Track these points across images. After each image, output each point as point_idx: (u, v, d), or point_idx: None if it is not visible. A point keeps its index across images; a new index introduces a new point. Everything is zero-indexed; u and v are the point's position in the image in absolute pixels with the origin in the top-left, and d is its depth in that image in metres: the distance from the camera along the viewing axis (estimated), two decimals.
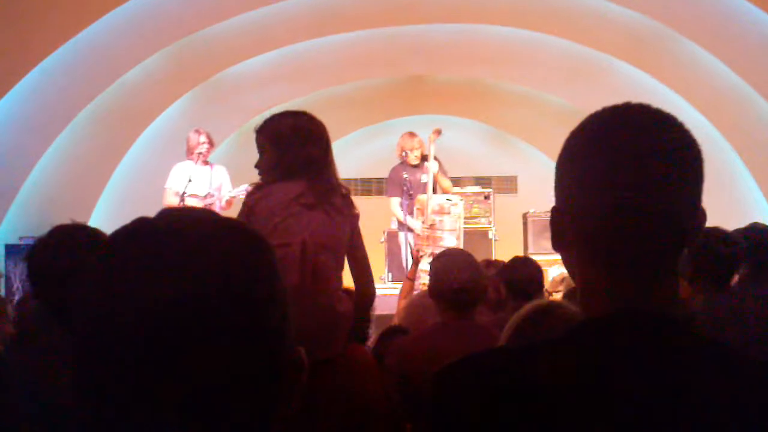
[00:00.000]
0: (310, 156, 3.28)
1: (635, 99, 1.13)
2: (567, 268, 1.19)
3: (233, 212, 7.18)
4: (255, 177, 3.43)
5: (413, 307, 4.32)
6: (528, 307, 2.22)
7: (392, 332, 4.02)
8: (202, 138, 7.33)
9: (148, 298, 0.84)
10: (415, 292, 5.22)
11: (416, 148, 7.84)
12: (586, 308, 1.13)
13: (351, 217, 3.33)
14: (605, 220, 1.09)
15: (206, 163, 7.41)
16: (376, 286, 3.71)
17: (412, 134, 8.00)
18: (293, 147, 3.27)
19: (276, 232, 3.11)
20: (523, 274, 4.18)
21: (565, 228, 1.14)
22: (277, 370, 0.91)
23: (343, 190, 3.37)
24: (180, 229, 0.90)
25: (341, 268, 3.29)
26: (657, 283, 1.10)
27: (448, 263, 3.54)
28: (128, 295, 0.85)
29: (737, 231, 4.22)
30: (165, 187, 7.36)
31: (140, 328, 0.84)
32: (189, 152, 7.37)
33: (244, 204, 3.30)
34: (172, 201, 7.20)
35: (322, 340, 3.07)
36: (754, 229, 4.16)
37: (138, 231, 0.90)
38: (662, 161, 1.08)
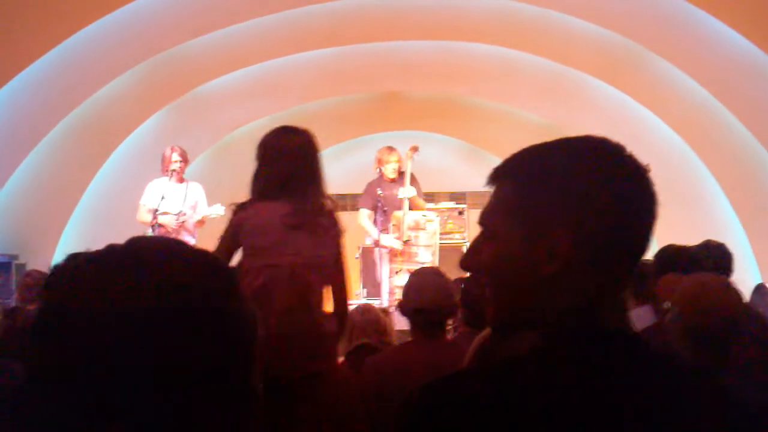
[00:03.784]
0: (291, 173, 3.25)
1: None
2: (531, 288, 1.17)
3: (205, 230, 7.15)
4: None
5: None
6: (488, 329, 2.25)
7: (361, 350, 4.03)
8: (175, 156, 7.29)
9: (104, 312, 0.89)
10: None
11: (394, 162, 7.85)
12: (562, 322, 1.13)
13: (336, 236, 3.33)
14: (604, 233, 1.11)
15: (182, 180, 7.38)
16: (351, 302, 3.74)
17: (390, 148, 8.00)
18: (273, 163, 3.26)
19: (265, 253, 3.15)
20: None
21: (557, 240, 1.14)
22: (235, 399, 0.93)
23: (329, 204, 3.36)
24: (145, 261, 0.92)
25: (327, 286, 3.32)
26: (623, 298, 1.15)
27: (416, 283, 3.60)
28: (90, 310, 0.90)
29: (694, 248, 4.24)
30: (139, 203, 7.33)
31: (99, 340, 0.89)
32: (164, 169, 7.35)
33: (230, 222, 3.29)
34: (146, 217, 7.18)
35: (307, 356, 3.11)
36: (708, 248, 4.16)
37: (105, 258, 0.94)
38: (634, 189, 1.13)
